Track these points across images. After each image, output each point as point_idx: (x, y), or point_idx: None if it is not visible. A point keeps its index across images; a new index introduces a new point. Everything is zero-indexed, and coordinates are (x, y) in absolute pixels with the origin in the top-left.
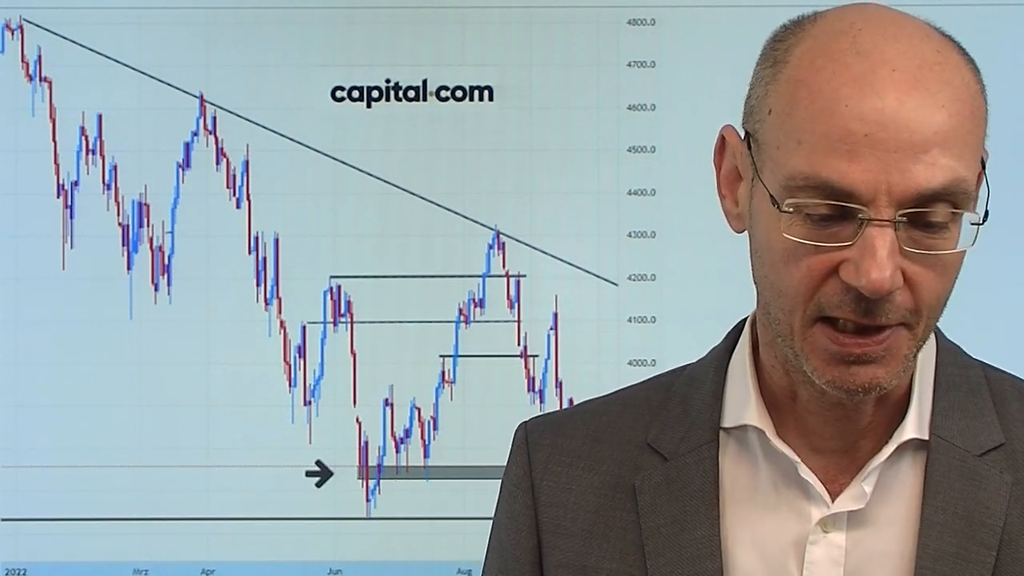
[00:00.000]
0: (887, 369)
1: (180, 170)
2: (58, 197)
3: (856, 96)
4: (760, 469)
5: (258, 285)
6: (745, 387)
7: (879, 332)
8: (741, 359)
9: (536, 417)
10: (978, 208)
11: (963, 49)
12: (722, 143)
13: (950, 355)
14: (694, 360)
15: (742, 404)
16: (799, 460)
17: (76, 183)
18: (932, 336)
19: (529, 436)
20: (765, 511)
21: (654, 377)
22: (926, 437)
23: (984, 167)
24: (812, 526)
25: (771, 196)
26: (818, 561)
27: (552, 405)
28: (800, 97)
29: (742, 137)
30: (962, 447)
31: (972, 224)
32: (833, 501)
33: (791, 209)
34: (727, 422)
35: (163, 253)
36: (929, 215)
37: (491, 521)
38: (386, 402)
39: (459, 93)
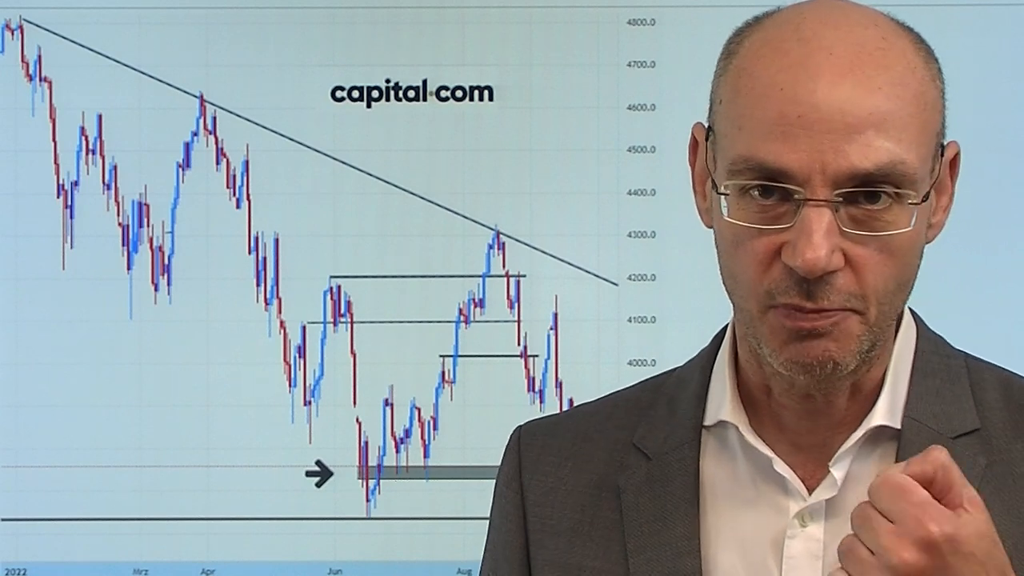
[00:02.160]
0: (839, 344)
1: (180, 170)
2: (58, 197)
3: (791, 81)
4: (739, 465)
5: (258, 285)
6: (724, 385)
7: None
8: (723, 358)
9: (532, 420)
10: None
11: (921, 40)
12: (694, 141)
13: (931, 344)
14: None
15: (720, 401)
16: (773, 455)
17: (76, 183)
18: (913, 327)
19: (522, 437)
20: (744, 507)
21: (648, 379)
22: (898, 425)
23: (943, 152)
24: (790, 519)
25: (713, 181)
26: (797, 556)
27: (552, 405)
28: (742, 85)
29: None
30: (935, 429)
31: (910, 204)
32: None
33: (727, 191)
34: (708, 420)
35: (163, 253)
36: (869, 196)
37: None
38: (386, 402)
39: (459, 93)
